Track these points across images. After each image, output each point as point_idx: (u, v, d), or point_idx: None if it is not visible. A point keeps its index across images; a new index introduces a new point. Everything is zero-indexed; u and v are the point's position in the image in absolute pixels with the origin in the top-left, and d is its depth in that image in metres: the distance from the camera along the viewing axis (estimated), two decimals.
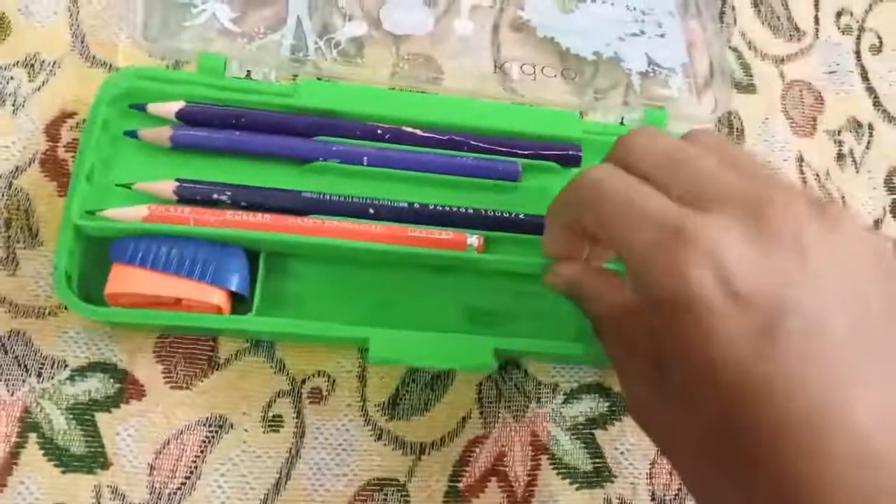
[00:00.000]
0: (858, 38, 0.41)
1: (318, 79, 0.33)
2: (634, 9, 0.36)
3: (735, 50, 0.39)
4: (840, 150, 0.39)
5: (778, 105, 0.39)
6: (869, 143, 0.39)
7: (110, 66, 0.34)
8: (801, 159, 0.38)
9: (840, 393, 0.17)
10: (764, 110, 0.38)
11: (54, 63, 0.33)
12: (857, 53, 0.41)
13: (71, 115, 0.33)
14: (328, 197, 0.31)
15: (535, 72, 0.35)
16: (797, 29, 0.40)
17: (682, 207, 0.20)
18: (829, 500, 0.17)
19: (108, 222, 0.29)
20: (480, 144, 0.33)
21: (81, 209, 0.29)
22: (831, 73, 0.40)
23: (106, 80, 0.31)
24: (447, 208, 0.31)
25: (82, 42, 0.34)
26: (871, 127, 0.39)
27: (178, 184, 0.29)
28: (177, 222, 0.29)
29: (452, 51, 0.35)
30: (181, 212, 0.29)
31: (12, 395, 0.29)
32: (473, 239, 0.31)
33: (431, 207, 0.31)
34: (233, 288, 0.29)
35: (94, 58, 0.34)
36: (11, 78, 0.33)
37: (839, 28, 0.41)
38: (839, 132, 0.39)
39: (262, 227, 0.29)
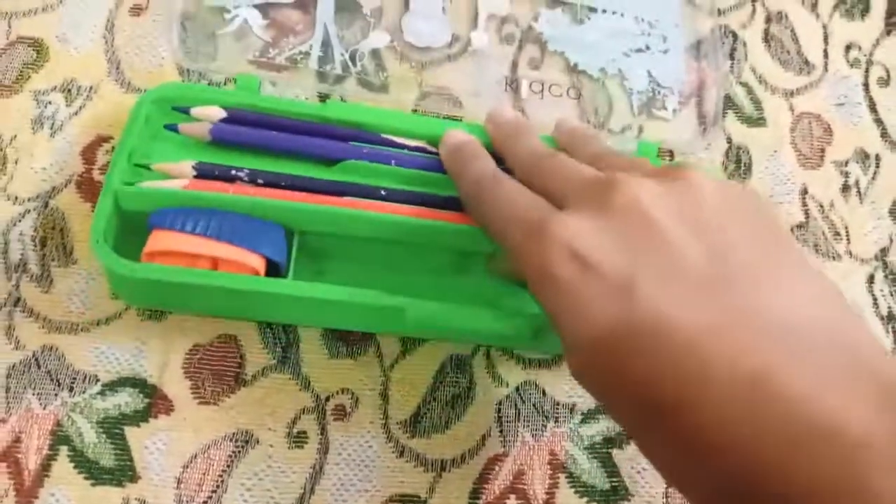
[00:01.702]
0: (867, 71, 0.42)
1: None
2: (643, 20, 0.38)
3: (745, 85, 0.41)
4: (846, 180, 0.40)
5: (787, 137, 0.40)
6: (875, 173, 0.40)
7: (145, 91, 0.35)
8: (804, 191, 0.39)
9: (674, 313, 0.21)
10: (773, 143, 0.40)
11: (90, 88, 0.35)
12: (866, 86, 0.42)
13: (107, 139, 0.34)
14: (348, 184, 0.31)
15: (542, 89, 0.37)
16: (807, 63, 0.42)
17: (543, 207, 0.25)
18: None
19: (147, 191, 0.29)
20: None
21: (121, 181, 0.29)
22: (840, 105, 0.41)
23: (150, 89, 0.32)
24: None
25: (117, 68, 0.35)
26: (878, 157, 0.40)
27: (196, 163, 0.30)
28: (216, 191, 0.30)
29: (469, 70, 0.37)
30: (220, 185, 0.30)
31: (45, 408, 0.30)
32: None
33: (457, 198, 0.32)
34: (269, 254, 0.29)
35: (129, 83, 0.35)
36: (49, 102, 0.34)
37: (848, 62, 0.42)
38: (846, 163, 0.40)
39: (300, 200, 0.30)
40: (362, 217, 0.30)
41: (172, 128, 0.31)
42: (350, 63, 0.35)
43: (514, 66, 0.38)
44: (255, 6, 0.35)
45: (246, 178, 0.30)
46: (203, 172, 0.30)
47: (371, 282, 0.30)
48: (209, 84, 0.36)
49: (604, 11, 0.38)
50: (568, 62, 0.37)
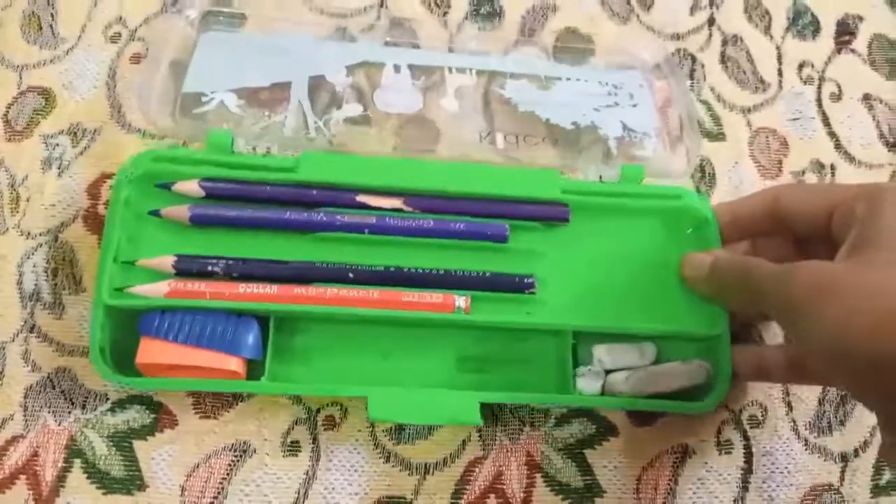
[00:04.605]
0: (819, 87, 0.45)
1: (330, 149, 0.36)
2: (607, 83, 0.40)
3: (705, 103, 0.43)
4: None
5: (746, 150, 0.42)
6: (832, 181, 0.42)
7: (144, 132, 0.38)
8: None
9: None
10: (733, 156, 0.42)
11: (94, 131, 0.38)
12: (819, 101, 0.44)
13: (109, 175, 0.37)
14: (318, 265, 0.34)
15: (517, 141, 0.39)
16: (762, 81, 0.44)
17: None
18: None
19: (134, 299, 0.32)
20: (472, 209, 0.36)
21: (110, 288, 0.32)
22: (795, 119, 0.44)
23: (122, 165, 0.34)
24: (438, 272, 0.34)
25: (119, 111, 0.38)
26: (833, 167, 0.43)
27: (175, 258, 0.33)
28: (195, 297, 0.32)
29: (443, 126, 0.39)
30: (198, 286, 0.32)
31: (59, 424, 0.32)
32: (461, 301, 0.34)
33: (424, 271, 0.34)
34: (247, 356, 0.32)
35: (129, 125, 0.38)
36: (57, 144, 0.37)
37: (801, 79, 0.45)
38: (803, 173, 0.42)
39: (270, 299, 0.32)
40: (326, 311, 0.33)
41: (156, 213, 0.33)
42: (324, 129, 0.37)
43: (488, 120, 0.39)
44: (232, 90, 0.37)
45: (221, 272, 0.33)
46: (182, 270, 0.33)
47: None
48: (185, 145, 0.37)
49: (567, 79, 0.40)
50: (539, 119, 0.39)
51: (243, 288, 0.32)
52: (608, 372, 0.34)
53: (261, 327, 0.33)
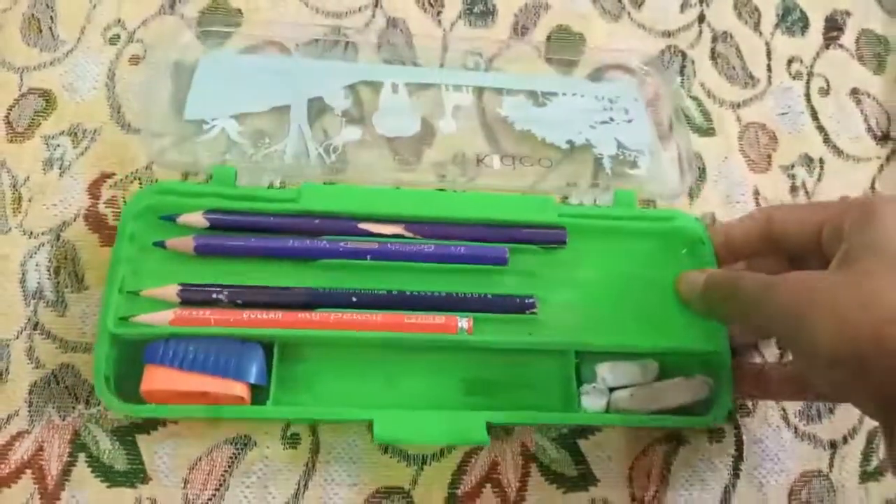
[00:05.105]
0: (808, 82, 0.46)
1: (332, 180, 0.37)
2: (603, 98, 0.41)
3: (695, 98, 0.44)
4: (793, 182, 0.43)
5: (736, 145, 0.43)
6: (820, 175, 0.43)
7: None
8: (756, 192, 0.42)
9: None
10: (723, 150, 0.43)
11: (94, 131, 0.38)
12: (808, 96, 0.45)
13: (110, 175, 0.37)
14: (322, 291, 0.34)
15: (514, 163, 0.39)
16: (751, 77, 0.45)
17: None
18: None
19: (140, 327, 0.32)
20: (472, 234, 0.36)
21: (115, 318, 0.32)
22: (784, 114, 0.44)
23: (131, 198, 0.34)
24: (440, 294, 0.35)
25: (118, 112, 0.39)
26: (821, 161, 0.43)
27: (180, 287, 0.33)
28: (200, 324, 0.32)
29: (441, 148, 0.40)
30: (203, 314, 0.33)
31: (64, 419, 0.33)
32: (464, 322, 0.34)
33: (426, 294, 0.35)
34: (252, 381, 0.32)
35: (129, 125, 0.39)
36: (58, 145, 0.38)
37: (790, 74, 0.46)
38: (792, 167, 0.43)
39: (274, 325, 0.33)
40: (330, 335, 0.33)
41: (160, 244, 0.34)
42: (325, 155, 0.37)
43: (486, 140, 0.40)
44: (233, 116, 0.37)
45: (225, 300, 0.33)
46: (187, 299, 0.33)
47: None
48: (185, 178, 0.38)
49: (563, 94, 0.41)
50: (536, 138, 0.40)
51: (248, 315, 0.33)
52: (612, 390, 0.35)
53: (265, 353, 0.33)
